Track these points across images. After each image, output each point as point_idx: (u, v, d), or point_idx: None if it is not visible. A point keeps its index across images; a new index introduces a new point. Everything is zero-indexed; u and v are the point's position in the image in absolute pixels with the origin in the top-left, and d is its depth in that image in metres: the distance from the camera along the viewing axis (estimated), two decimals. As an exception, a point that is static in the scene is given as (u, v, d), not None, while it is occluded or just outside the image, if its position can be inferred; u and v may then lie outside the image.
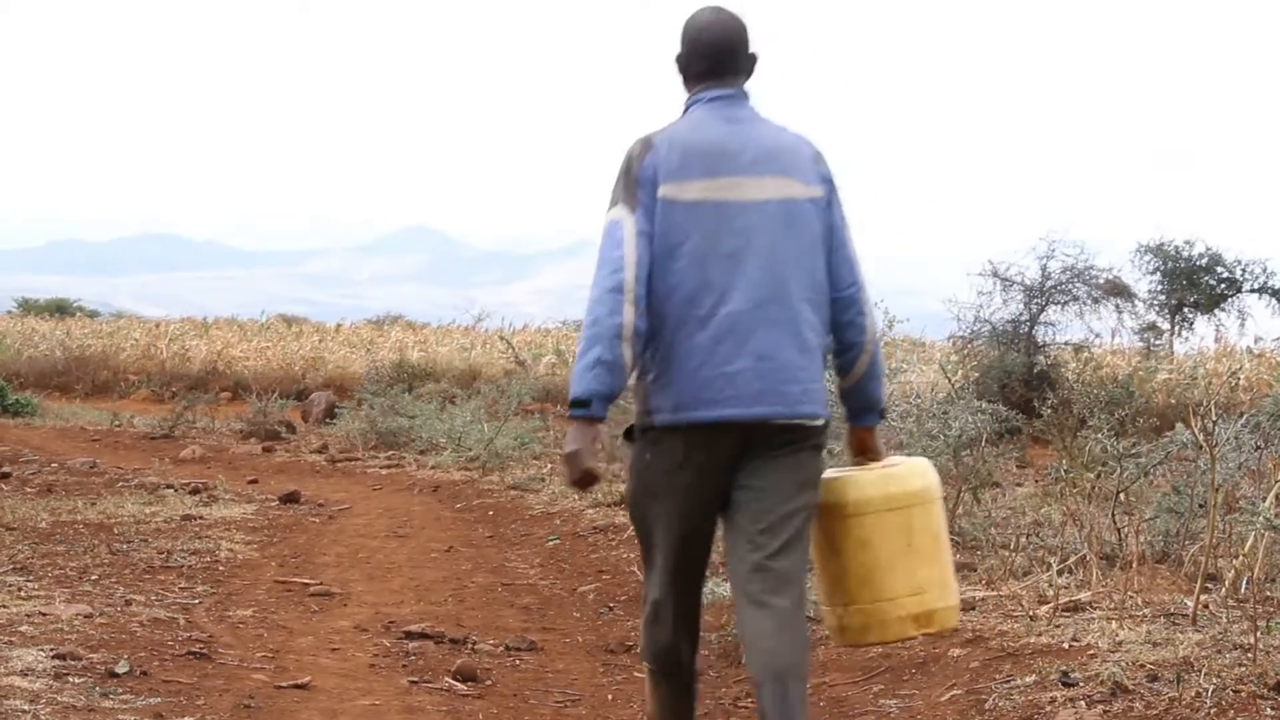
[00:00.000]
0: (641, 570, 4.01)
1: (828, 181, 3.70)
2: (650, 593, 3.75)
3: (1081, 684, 4.41)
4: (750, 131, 3.66)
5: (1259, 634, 4.60)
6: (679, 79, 3.79)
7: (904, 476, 3.76)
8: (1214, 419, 6.01)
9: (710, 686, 5.41)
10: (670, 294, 3.55)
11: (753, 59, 3.75)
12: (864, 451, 3.84)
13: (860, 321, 3.70)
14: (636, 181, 3.57)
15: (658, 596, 3.71)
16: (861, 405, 3.80)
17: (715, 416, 3.55)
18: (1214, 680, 4.26)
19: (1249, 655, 4.47)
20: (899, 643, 4.62)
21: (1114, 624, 5.07)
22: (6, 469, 11.23)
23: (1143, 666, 4.48)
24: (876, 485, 3.71)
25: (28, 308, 40.84)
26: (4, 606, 5.83)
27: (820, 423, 3.65)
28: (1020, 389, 15.90)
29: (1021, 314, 17.61)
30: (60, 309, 40.69)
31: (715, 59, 3.70)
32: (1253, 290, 30.39)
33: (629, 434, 3.76)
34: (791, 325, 3.59)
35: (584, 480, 3.62)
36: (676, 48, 3.77)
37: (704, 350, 3.55)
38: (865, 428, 3.82)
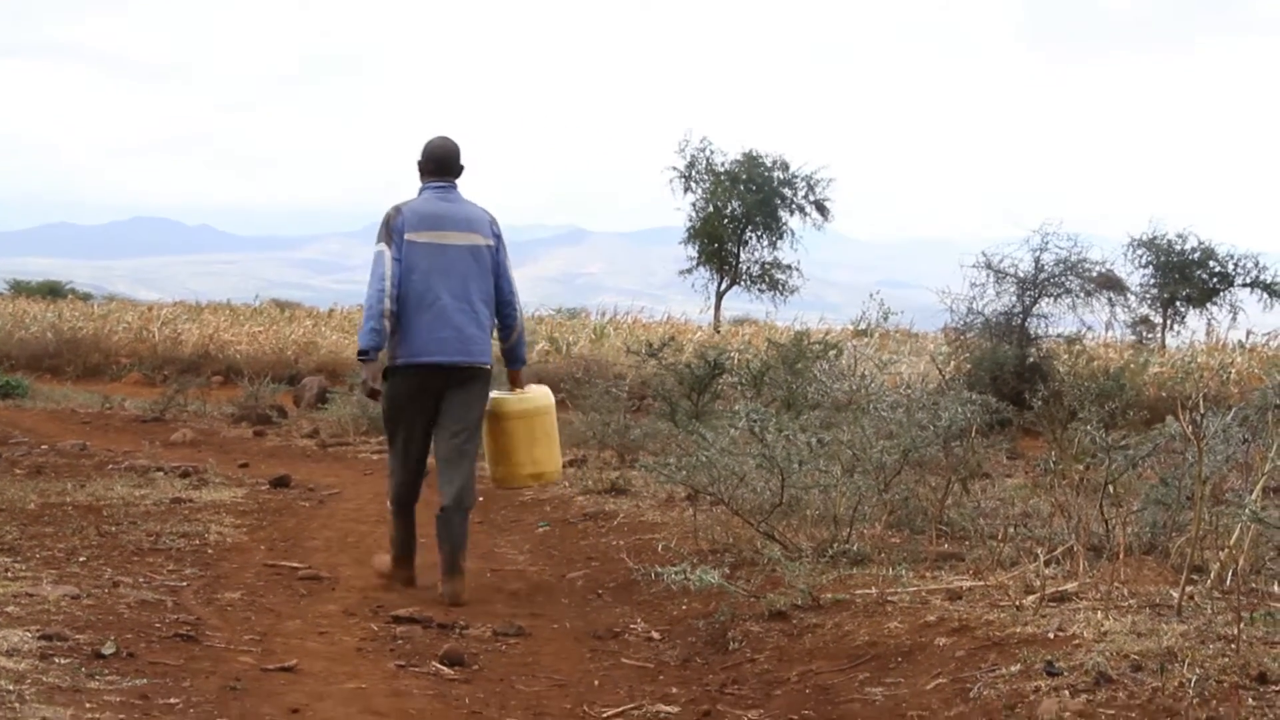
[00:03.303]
0: (388, 450, 6.77)
1: (497, 237, 6.57)
2: (393, 465, 6.66)
3: (1066, 673, 4.43)
4: (456, 207, 6.52)
5: (1243, 625, 4.62)
6: (418, 174, 6.60)
7: (533, 398, 6.77)
8: (1203, 412, 6.01)
9: (697, 673, 5.43)
10: (410, 293, 6.35)
11: (461, 167, 6.62)
12: (514, 384, 6.85)
13: (512, 314, 6.64)
14: (392, 230, 6.37)
15: (398, 466, 6.62)
16: (514, 358, 6.82)
17: (431, 361, 6.39)
18: (1197, 671, 4.27)
19: (1233, 646, 4.49)
20: (524, 487, 7.89)
21: (1100, 614, 5.09)
22: (-4, 450, 11.21)
23: (1127, 657, 4.49)
24: (517, 403, 6.73)
25: (19, 289, 40.75)
26: (-9, 587, 5.83)
27: (487, 367, 6.54)
28: (1012, 381, 15.90)
29: (1014, 306, 17.59)
30: (52, 291, 40.60)
31: (439, 164, 6.58)
32: (1245, 284, 30.48)
33: (386, 373, 6.50)
34: (473, 314, 6.44)
35: (373, 394, 6.54)
36: (419, 157, 6.57)
37: (426, 325, 6.35)
38: (515, 370, 6.86)
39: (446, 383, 6.45)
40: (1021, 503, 8.49)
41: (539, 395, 6.81)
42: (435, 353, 6.35)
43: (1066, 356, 17.79)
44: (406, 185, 7.09)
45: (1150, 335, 28.31)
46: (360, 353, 6.39)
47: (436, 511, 6.49)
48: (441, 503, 6.49)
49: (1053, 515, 7.50)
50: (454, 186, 6.58)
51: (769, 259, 37.06)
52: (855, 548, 6.79)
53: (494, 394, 6.72)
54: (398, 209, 6.42)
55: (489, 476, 7.06)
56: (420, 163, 6.58)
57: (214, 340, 26.99)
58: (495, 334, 6.72)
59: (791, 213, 36.73)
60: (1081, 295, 17.75)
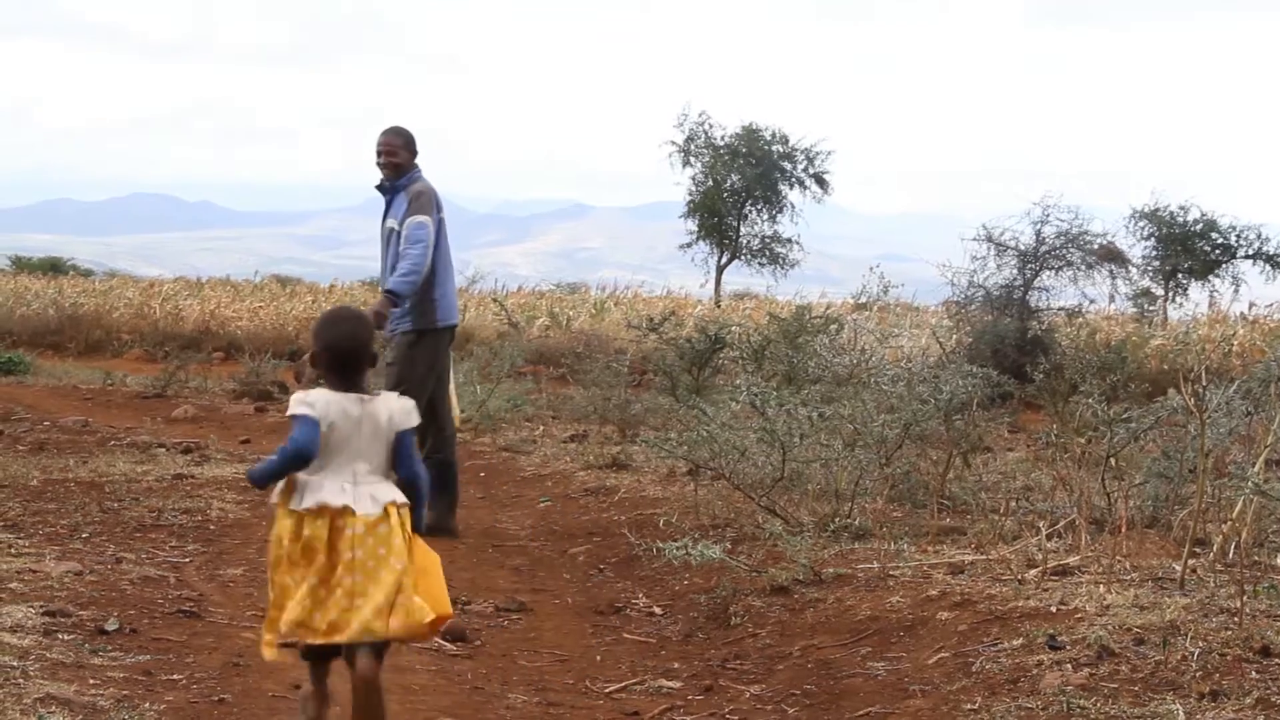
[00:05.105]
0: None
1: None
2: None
3: (1068, 647, 4.43)
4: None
5: (1246, 598, 4.62)
6: (406, 162, 7.46)
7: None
8: (1205, 384, 6.00)
9: (699, 648, 5.44)
10: (444, 261, 7.45)
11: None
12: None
13: None
14: (436, 206, 7.39)
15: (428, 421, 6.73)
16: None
17: (456, 320, 7.64)
18: (1200, 644, 4.27)
19: (1235, 619, 4.49)
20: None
21: (1102, 588, 5.09)
22: (-2, 427, 11.21)
23: (1129, 630, 4.49)
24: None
25: (21, 266, 40.66)
26: (-6, 564, 5.83)
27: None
28: (1013, 354, 15.88)
29: (1016, 279, 17.55)
30: (54, 267, 40.51)
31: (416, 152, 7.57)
32: (1247, 256, 30.38)
33: (420, 334, 7.40)
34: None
35: (380, 322, 7.17)
36: (406, 145, 7.50)
37: (453, 290, 7.59)
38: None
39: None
40: (1023, 476, 8.49)
41: None
42: (457, 314, 7.63)
43: (1068, 329, 17.76)
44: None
45: (1152, 308, 28.26)
46: (397, 296, 7.22)
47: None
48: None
49: (1054, 489, 7.50)
50: None
51: (769, 233, 36.99)
52: (857, 522, 6.79)
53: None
54: (434, 190, 7.43)
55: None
56: (414, 152, 7.48)
57: (215, 316, 26.93)
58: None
59: (791, 186, 36.64)
60: (1083, 268, 17.70)
